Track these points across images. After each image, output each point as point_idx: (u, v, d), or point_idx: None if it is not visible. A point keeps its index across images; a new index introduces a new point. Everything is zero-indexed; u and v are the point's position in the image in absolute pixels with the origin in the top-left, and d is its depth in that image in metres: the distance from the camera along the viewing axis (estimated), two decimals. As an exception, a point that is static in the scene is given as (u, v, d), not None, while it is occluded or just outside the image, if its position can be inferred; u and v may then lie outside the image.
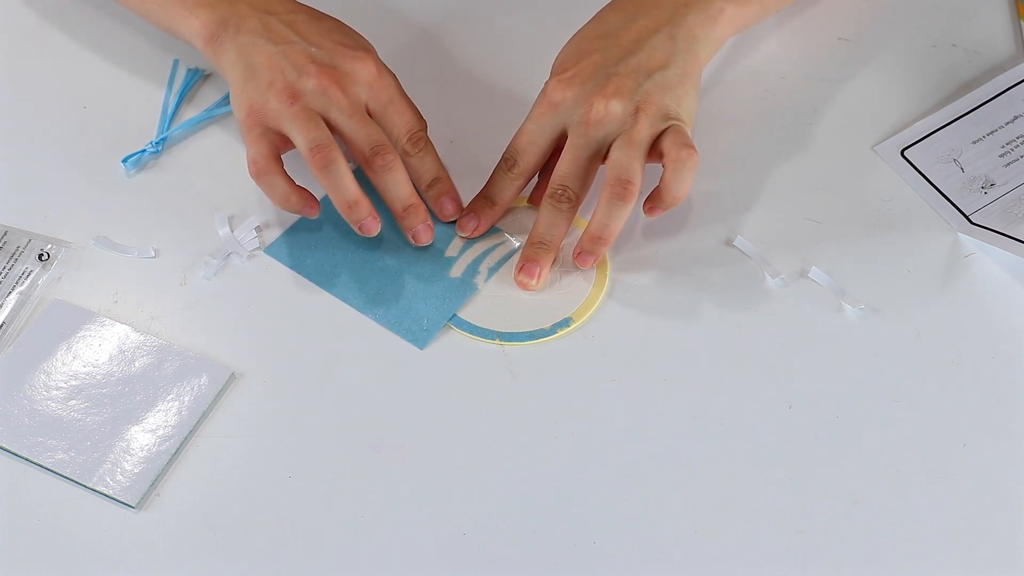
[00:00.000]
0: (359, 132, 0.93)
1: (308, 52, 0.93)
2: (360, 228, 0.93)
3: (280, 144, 0.93)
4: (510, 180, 0.95)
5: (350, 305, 0.93)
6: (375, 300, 0.93)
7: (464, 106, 1.03)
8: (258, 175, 0.92)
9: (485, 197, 0.96)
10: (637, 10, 0.96)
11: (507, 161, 0.95)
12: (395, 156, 0.93)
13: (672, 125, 0.92)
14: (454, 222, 0.96)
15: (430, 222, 0.95)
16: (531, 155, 0.94)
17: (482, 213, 0.96)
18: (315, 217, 0.94)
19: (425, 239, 0.95)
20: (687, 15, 0.95)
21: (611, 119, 0.92)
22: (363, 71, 0.94)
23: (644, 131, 0.91)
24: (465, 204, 0.97)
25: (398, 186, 0.93)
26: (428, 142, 0.96)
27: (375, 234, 0.93)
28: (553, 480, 0.86)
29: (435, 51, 1.06)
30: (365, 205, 0.92)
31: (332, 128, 0.93)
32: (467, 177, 0.99)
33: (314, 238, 0.96)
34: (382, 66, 0.95)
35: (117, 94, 1.04)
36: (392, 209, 0.94)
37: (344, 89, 0.93)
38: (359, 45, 0.96)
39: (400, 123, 0.95)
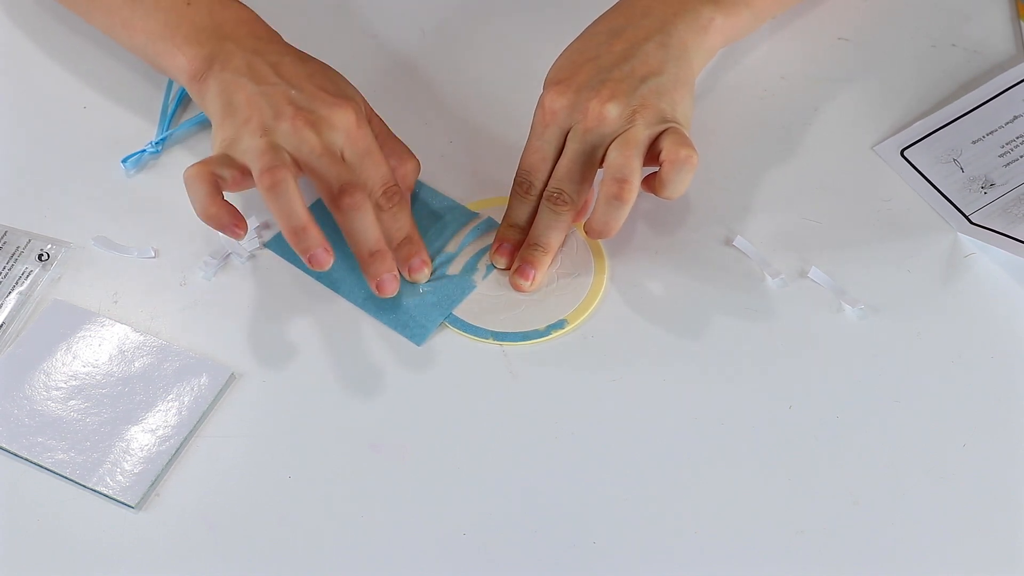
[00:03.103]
0: (329, 170, 0.89)
1: (288, 95, 0.90)
2: (310, 260, 0.88)
3: (240, 178, 0.89)
4: (530, 202, 0.94)
5: (348, 300, 0.93)
6: (373, 296, 0.93)
7: (462, 106, 1.03)
8: (187, 179, 0.88)
9: (511, 225, 0.94)
10: (626, 21, 0.96)
11: (521, 184, 0.94)
12: (365, 196, 0.89)
13: (671, 127, 0.91)
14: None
15: (396, 272, 0.91)
16: (543, 171, 0.93)
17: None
18: (240, 238, 0.89)
19: (390, 291, 0.91)
20: (677, 24, 0.95)
21: (608, 122, 0.91)
22: (342, 118, 0.90)
23: (642, 132, 0.91)
24: (466, 205, 0.97)
25: (366, 228, 0.90)
26: (404, 198, 0.93)
27: (327, 268, 0.88)
28: (553, 480, 0.86)
29: (435, 52, 1.06)
30: (315, 233, 0.87)
31: (301, 168, 0.89)
32: (466, 175, 0.99)
33: None
34: (363, 115, 0.92)
35: (117, 94, 1.04)
36: (357, 253, 0.91)
37: (318, 132, 0.90)
38: (342, 92, 0.93)
39: (376, 175, 0.91)
